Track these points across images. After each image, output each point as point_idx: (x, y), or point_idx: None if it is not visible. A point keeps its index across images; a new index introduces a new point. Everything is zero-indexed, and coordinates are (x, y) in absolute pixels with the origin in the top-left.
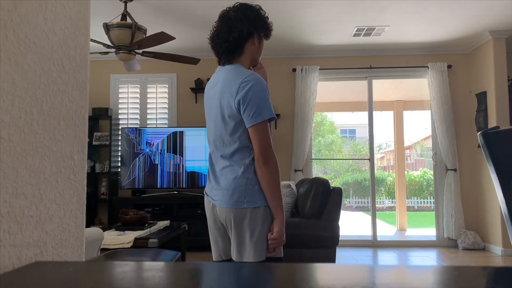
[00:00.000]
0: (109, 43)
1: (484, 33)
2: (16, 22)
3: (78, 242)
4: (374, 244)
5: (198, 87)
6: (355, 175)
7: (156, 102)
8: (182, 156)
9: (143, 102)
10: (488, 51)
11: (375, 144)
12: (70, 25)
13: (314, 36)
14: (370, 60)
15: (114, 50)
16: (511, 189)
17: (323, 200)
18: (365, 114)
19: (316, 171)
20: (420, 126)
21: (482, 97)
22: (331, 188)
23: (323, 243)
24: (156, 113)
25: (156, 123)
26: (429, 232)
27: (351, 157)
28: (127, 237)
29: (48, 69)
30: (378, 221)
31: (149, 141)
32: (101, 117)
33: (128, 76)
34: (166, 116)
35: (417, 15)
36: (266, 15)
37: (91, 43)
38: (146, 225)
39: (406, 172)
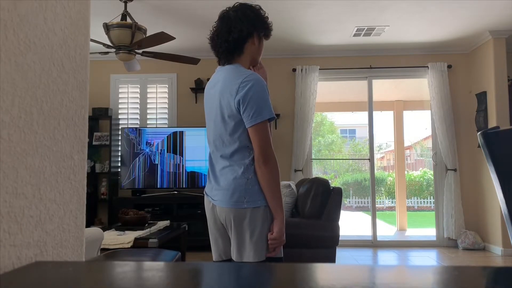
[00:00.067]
0: (109, 43)
1: (484, 33)
2: (16, 22)
3: (78, 242)
4: (374, 244)
5: (198, 87)
6: (355, 175)
7: (156, 102)
8: (182, 156)
9: (143, 102)
10: (488, 51)
11: (375, 144)
12: (70, 25)
13: (314, 36)
14: (370, 60)
15: (114, 50)
16: (511, 189)
17: (323, 200)
18: (365, 114)
19: (316, 171)
20: (420, 126)
21: (482, 97)
22: (331, 188)
23: (323, 243)
24: (156, 113)
25: (156, 123)
26: (429, 232)
27: (351, 157)
28: (127, 237)
29: (48, 69)
30: (378, 221)
31: (149, 141)
32: (101, 117)
33: (128, 76)
34: (166, 116)
35: (417, 15)
36: (266, 15)
37: (91, 43)
38: (146, 225)
39: (406, 172)
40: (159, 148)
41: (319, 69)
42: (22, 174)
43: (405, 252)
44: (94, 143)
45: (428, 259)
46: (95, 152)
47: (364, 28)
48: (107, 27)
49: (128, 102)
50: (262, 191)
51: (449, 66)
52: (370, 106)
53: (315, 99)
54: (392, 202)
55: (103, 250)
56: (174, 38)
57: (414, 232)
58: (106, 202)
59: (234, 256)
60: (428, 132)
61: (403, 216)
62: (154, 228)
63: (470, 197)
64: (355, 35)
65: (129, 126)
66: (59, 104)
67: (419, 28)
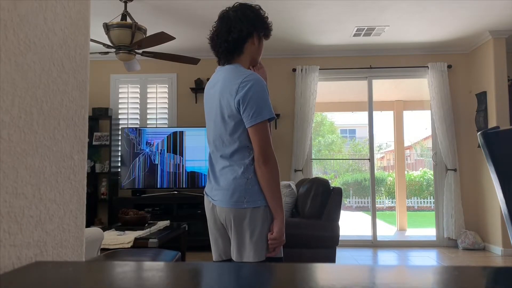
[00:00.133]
0: (109, 43)
1: (484, 33)
2: (16, 22)
3: (78, 242)
4: (374, 244)
5: (198, 87)
6: (355, 175)
7: (156, 102)
8: (182, 156)
9: (143, 102)
10: (488, 51)
11: (375, 144)
12: (70, 25)
13: (314, 36)
14: (370, 60)
15: (114, 50)
16: (511, 189)
17: (323, 200)
18: (365, 114)
19: (316, 171)
20: (420, 126)
21: (482, 97)
22: (331, 188)
23: (323, 243)
24: (156, 113)
25: (156, 123)
26: (429, 232)
27: (351, 157)
28: (127, 237)
29: (48, 69)
30: (378, 221)
31: (149, 141)
32: (101, 117)
33: (128, 76)
34: (166, 116)
35: (417, 15)
36: (266, 15)
37: (91, 43)
38: (146, 225)
39: (406, 172)
40: (159, 148)
41: (319, 69)
42: (22, 174)
43: (405, 252)
44: (94, 143)
45: (428, 259)
46: (95, 152)
47: (364, 28)
48: (107, 27)
49: (128, 102)
50: (262, 191)
51: (449, 66)
52: (370, 106)
53: (315, 99)
54: (392, 202)
55: (103, 250)
56: (174, 38)
57: (414, 232)
58: (106, 202)
59: (234, 256)
60: (428, 132)
61: (403, 216)
62: (154, 228)
63: (470, 197)
64: (355, 35)
65: (129, 126)
66: (59, 104)
67: (419, 28)
